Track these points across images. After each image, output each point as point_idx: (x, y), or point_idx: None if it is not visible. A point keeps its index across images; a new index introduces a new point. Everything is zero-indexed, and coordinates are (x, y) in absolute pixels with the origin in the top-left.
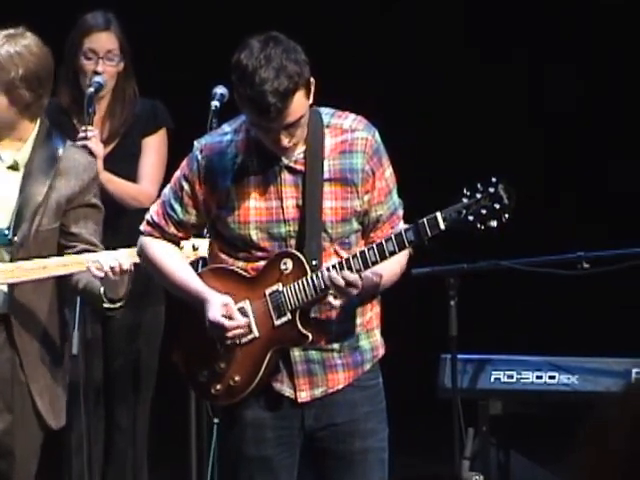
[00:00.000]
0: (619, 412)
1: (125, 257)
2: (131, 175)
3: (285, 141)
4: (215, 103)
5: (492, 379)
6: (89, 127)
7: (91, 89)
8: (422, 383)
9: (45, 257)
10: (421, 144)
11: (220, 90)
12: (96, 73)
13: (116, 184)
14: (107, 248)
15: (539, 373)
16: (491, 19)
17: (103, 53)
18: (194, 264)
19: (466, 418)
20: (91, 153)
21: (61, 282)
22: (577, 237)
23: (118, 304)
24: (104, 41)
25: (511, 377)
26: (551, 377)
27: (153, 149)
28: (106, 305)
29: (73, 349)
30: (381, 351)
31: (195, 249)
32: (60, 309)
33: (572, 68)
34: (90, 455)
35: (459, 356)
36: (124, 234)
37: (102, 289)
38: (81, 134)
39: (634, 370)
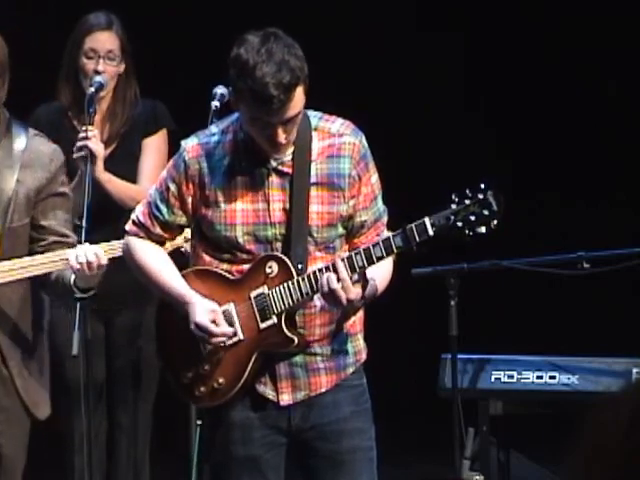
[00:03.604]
0: (617, 411)
1: (101, 251)
2: (131, 176)
3: (282, 137)
4: (215, 103)
5: (492, 379)
6: (89, 127)
7: (92, 89)
8: (422, 383)
9: (19, 253)
10: (418, 145)
11: (220, 90)
12: (97, 73)
13: (116, 184)
14: None
15: (539, 373)
16: (493, 26)
17: (104, 53)
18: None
19: (466, 418)
20: (91, 153)
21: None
22: (577, 237)
23: (90, 293)
24: (105, 41)
25: (511, 377)
26: (551, 377)
27: (153, 150)
28: (78, 295)
29: (73, 349)
30: (364, 355)
31: (187, 240)
32: (34, 300)
33: (570, 68)
34: (91, 454)
35: (459, 356)
36: (123, 234)
37: (72, 279)
38: (81, 134)
39: (634, 370)
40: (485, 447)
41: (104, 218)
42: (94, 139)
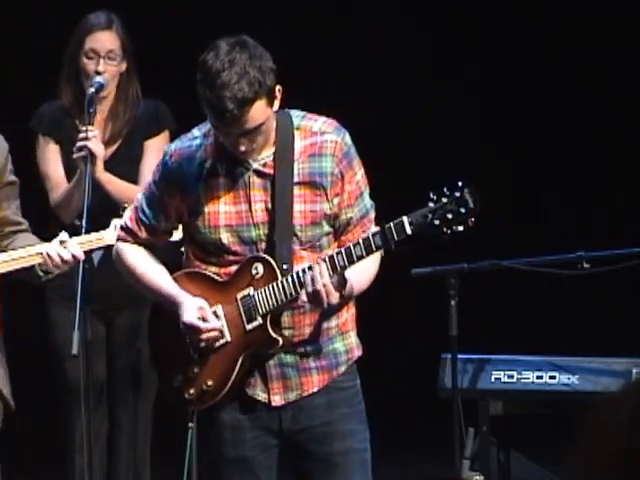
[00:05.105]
0: (616, 411)
1: (76, 246)
2: (133, 176)
3: (242, 147)
4: None
5: (492, 379)
6: (89, 127)
7: (92, 89)
8: (422, 383)
9: None
10: (418, 144)
11: None
12: (97, 73)
13: (116, 185)
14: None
15: (539, 373)
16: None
17: (104, 52)
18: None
19: (466, 418)
20: (91, 154)
21: None
22: (577, 237)
23: (53, 275)
24: (105, 40)
25: (511, 377)
26: (551, 377)
27: (155, 151)
28: (44, 278)
29: (73, 349)
30: (357, 353)
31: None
32: None
33: (570, 68)
34: (91, 454)
35: (459, 356)
36: None
37: (36, 264)
38: (81, 134)
39: (634, 370)
40: (485, 447)
41: (104, 218)
42: (94, 139)
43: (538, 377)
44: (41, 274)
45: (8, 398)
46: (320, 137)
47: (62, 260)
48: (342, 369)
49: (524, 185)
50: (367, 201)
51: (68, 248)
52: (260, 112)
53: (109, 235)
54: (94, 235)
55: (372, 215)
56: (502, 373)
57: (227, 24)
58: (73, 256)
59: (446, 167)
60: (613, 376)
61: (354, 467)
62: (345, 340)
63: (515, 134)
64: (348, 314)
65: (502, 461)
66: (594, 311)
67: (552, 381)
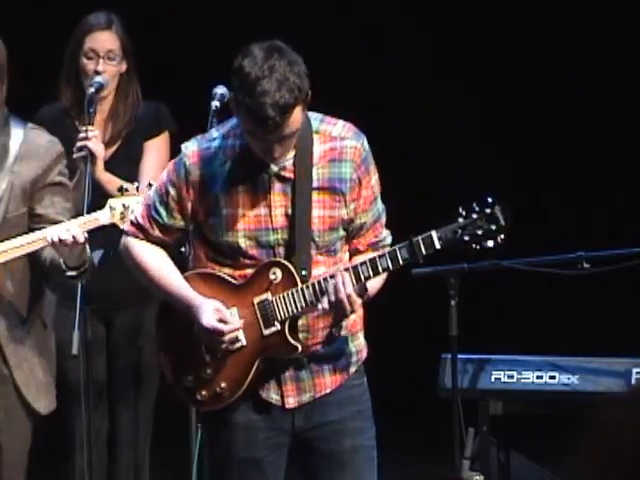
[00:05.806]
0: (618, 411)
1: (76, 228)
2: (132, 177)
3: (277, 152)
4: (215, 103)
5: (492, 379)
6: (89, 127)
7: (91, 89)
8: (422, 383)
9: None
10: (418, 145)
11: (220, 90)
12: (97, 73)
13: (116, 185)
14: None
15: (539, 373)
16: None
17: (104, 53)
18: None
19: (466, 418)
20: (91, 154)
21: (33, 265)
22: (577, 237)
23: (81, 269)
24: (105, 40)
25: (511, 377)
26: (551, 377)
27: (154, 151)
28: (69, 273)
29: (73, 349)
30: (364, 353)
31: (125, 208)
32: (34, 293)
33: (570, 68)
34: (91, 454)
35: (459, 356)
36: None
37: (61, 260)
38: (81, 134)
39: (634, 370)
40: (485, 447)
41: None
42: (94, 139)
43: (538, 377)
44: (64, 268)
45: (31, 402)
46: (340, 142)
47: (61, 241)
48: (353, 369)
49: (524, 185)
50: (379, 205)
51: (69, 230)
52: (297, 117)
53: (104, 216)
54: (87, 217)
55: (383, 219)
56: (502, 373)
57: (227, 25)
58: (73, 237)
59: (446, 167)
60: (613, 376)
61: (363, 464)
62: (355, 341)
63: (515, 134)
64: (356, 315)
65: (502, 461)
66: (594, 311)
67: (552, 381)
